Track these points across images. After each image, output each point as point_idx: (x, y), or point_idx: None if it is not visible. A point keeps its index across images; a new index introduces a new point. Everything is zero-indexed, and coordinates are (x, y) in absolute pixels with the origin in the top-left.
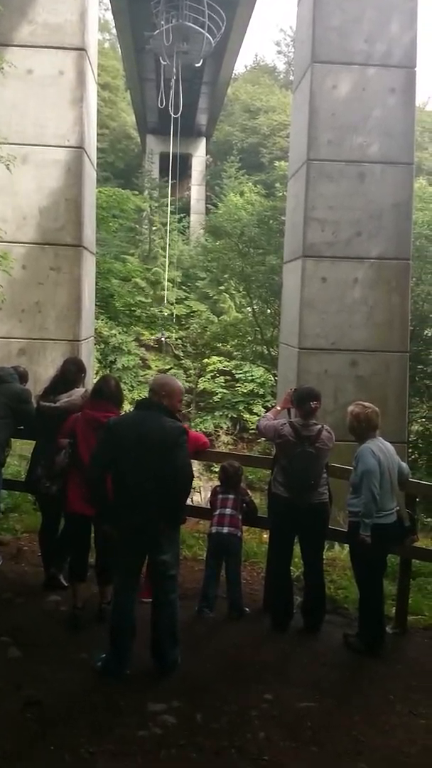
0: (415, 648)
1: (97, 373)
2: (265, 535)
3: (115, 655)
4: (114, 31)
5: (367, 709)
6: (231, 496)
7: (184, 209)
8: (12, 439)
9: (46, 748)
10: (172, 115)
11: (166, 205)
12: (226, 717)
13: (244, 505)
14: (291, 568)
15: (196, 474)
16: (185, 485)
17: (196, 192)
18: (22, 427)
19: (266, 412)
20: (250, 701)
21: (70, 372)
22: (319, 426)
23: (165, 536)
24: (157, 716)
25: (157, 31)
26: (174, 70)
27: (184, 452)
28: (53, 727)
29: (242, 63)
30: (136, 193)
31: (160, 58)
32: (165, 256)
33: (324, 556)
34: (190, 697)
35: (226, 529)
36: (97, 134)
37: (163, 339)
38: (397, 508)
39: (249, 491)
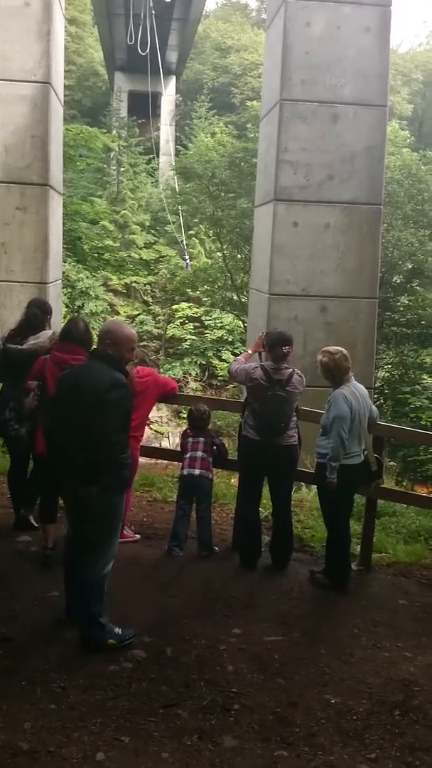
0: (379, 584)
1: (65, 318)
2: (234, 479)
3: (66, 600)
4: None
5: (332, 643)
6: (201, 439)
7: (153, 150)
8: None
9: (18, 684)
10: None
11: (135, 145)
12: (196, 651)
13: (215, 448)
14: (260, 509)
15: (165, 419)
16: (111, 447)
17: (166, 132)
18: None
19: (238, 356)
20: (219, 636)
21: (35, 315)
22: (291, 370)
23: (91, 503)
24: (128, 651)
25: None
26: (142, 5)
27: (114, 409)
28: (25, 663)
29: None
30: (104, 131)
31: None
32: (133, 199)
33: (292, 497)
34: (160, 633)
35: (197, 471)
36: (64, 71)
37: (186, 259)
38: (365, 450)
39: (219, 434)
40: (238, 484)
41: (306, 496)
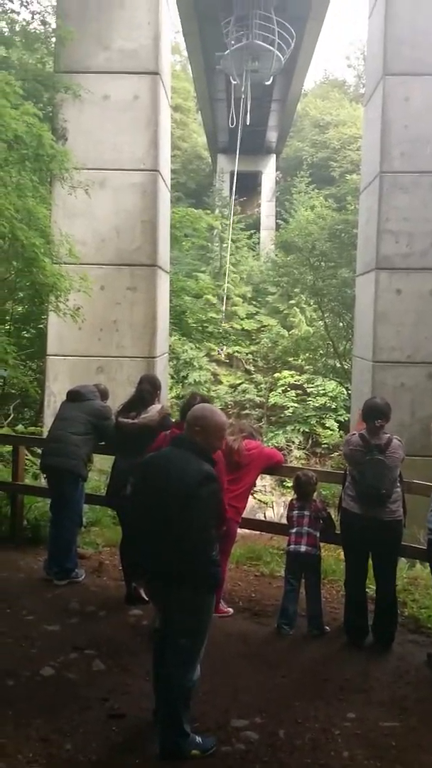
0: None
1: (171, 389)
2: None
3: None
4: (185, 53)
5: None
6: (307, 513)
7: (254, 226)
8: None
9: (132, 761)
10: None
11: (237, 222)
12: (309, 734)
13: (321, 521)
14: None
15: (268, 488)
16: (201, 544)
17: (266, 208)
18: (102, 443)
19: (338, 427)
20: (333, 719)
21: (147, 391)
22: (388, 435)
23: (180, 604)
24: (240, 732)
25: (228, 51)
26: (243, 89)
27: (203, 505)
28: (138, 739)
29: (312, 78)
30: (208, 212)
31: (231, 78)
32: (235, 272)
33: (405, 575)
34: (272, 714)
35: (303, 548)
36: (170, 156)
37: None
38: None
39: (326, 506)
40: (344, 560)
41: (421, 573)
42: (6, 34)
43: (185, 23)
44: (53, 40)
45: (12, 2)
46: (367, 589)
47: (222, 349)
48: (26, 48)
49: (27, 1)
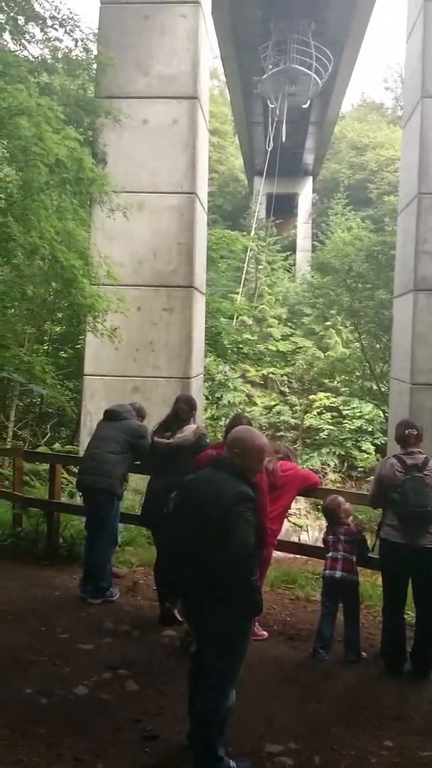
0: None
1: (205, 410)
2: (379, 579)
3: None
4: (223, 77)
5: None
6: (343, 538)
7: (290, 247)
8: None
9: None
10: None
11: (273, 244)
12: (345, 761)
13: (356, 545)
14: (407, 612)
15: (303, 512)
16: (239, 568)
17: (303, 230)
18: (138, 462)
19: (375, 450)
20: (370, 747)
21: (183, 411)
22: (425, 455)
23: (216, 630)
24: (275, 757)
25: (265, 75)
26: (278, 111)
27: (241, 527)
28: (171, 762)
29: (349, 102)
30: (244, 234)
31: (268, 102)
32: (270, 294)
33: None
34: (307, 740)
35: (338, 574)
36: (207, 178)
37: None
38: None
39: (361, 530)
40: (382, 588)
41: None
42: (49, 61)
43: (223, 48)
44: (94, 66)
45: (56, 30)
46: (405, 615)
47: (227, 368)
48: (68, 74)
49: (70, 29)
